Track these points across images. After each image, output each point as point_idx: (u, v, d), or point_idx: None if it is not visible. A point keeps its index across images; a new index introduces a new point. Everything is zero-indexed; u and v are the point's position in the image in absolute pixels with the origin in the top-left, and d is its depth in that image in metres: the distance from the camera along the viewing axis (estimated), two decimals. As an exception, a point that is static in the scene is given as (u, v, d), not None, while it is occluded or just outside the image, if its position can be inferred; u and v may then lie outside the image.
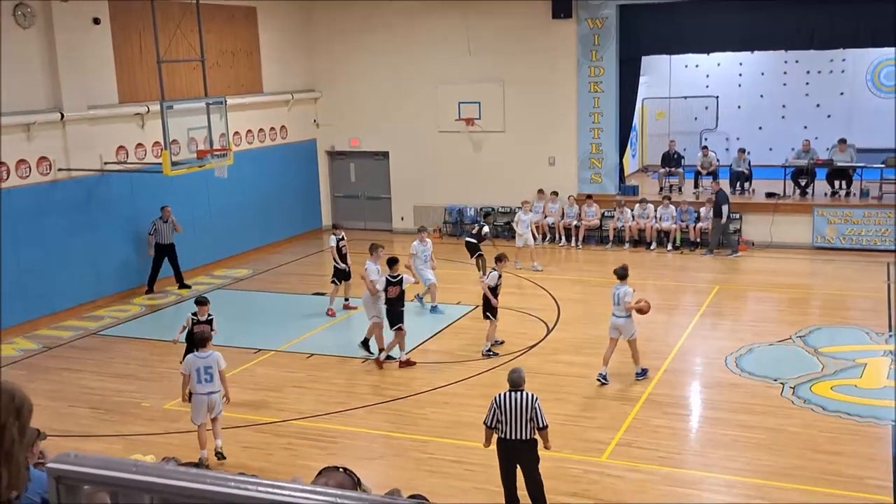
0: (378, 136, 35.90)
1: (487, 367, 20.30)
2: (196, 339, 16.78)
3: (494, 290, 21.26)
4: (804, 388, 18.39)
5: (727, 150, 38.91)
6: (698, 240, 31.08)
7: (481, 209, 33.07)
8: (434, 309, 24.97)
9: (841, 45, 33.63)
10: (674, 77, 39.49)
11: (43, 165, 24.53)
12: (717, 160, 34.98)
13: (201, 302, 18.94)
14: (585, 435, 16.46)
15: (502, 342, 22.11)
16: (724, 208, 30.27)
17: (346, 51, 35.49)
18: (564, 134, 33.32)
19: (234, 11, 31.66)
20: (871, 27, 29.60)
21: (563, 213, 32.80)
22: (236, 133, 30.66)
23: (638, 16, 32.07)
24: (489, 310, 21.37)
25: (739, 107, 41.13)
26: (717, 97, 41.26)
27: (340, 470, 4.97)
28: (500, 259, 21.44)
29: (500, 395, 13.33)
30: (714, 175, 34.00)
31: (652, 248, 31.26)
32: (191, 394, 16.14)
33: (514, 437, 13.20)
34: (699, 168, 34.54)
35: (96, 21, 25.95)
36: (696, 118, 41.65)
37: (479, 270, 26.56)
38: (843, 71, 39.36)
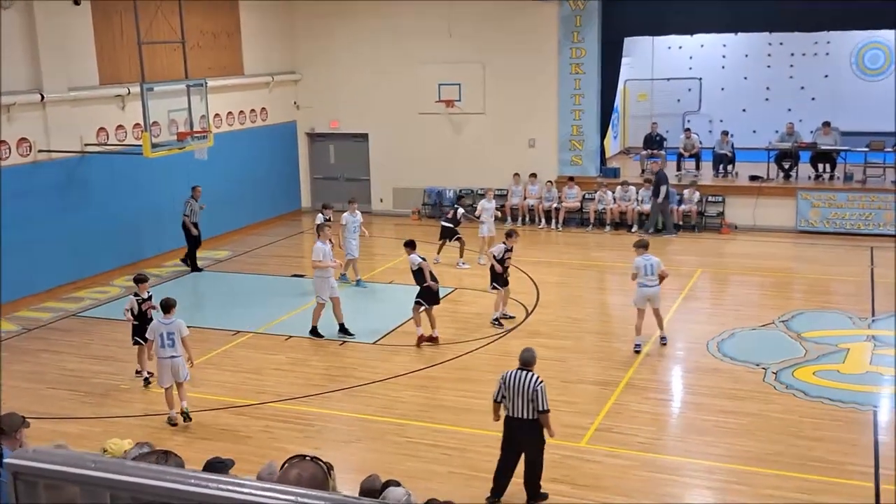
0: (358, 118, 35.82)
1: (465, 351, 20.27)
2: (162, 305, 17.16)
3: (501, 261, 21.82)
4: (786, 373, 18.38)
5: (710, 132, 38.87)
6: (680, 222, 31.05)
7: (459, 191, 33.12)
8: (359, 283, 25.87)
9: (825, 28, 33.68)
10: (656, 59, 39.54)
11: (23, 147, 24.39)
12: (700, 142, 34.96)
13: (142, 280, 19.41)
14: (565, 420, 16.35)
15: (512, 316, 22.48)
16: (663, 188, 30.71)
17: (326, 33, 35.37)
18: (545, 116, 33.27)
19: (214, -8, 31.54)
20: (856, 10, 29.53)
21: (541, 197, 32.76)
22: (216, 115, 30.54)
23: (620, -3, 32.03)
24: (496, 280, 21.97)
25: (723, 89, 41.11)
26: (701, 79, 41.22)
27: (309, 459, 4.85)
28: (509, 234, 22.24)
29: (507, 373, 13.51)
30: (696, 157, 34.06)
31: (633, 230, 31.20)
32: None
33: (516, 416, 13.35)
34: (682, 150, 34.52)
35: (76, 2, 25.78)
36: (678, 100, 41.58)
37: (460, 254, 26.61)
38: (827, 53, 39.37)
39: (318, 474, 4.78)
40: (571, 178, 32.41)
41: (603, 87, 33.35)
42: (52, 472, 2.61)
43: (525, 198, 32.91)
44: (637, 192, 31.67)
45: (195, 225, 27.27)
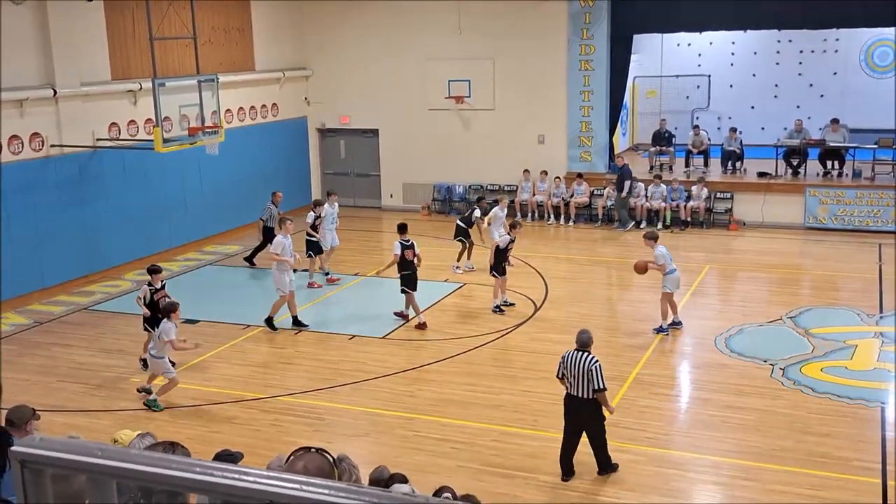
0: (368, 114, 35.85)
1: (473, 346, 20.32)
2: (163, 310, 17.58)
3: (504, 251, 22.33)
4: (794, 369, 18.40)
5: (719, 129, 38.82)
6: (688, 219, 31.09)
7: (473, 192, 33.21)
8: (328, 273, 26.12)
9: (833, 25, 33.68)
10: (665, 55, 39.45)
11: (35, 141, 24.50)
12: (709, 139, 34.95)
13: (155, 270, 19.68)
14: (573, 414, 16.48)
15: (513, 304, 22.81)
16: (627, 183, 31.11)
17: (337, 29, 35.42)
18: (554, 112, 33.29)
19: (226, -12, 31.61)
20: (864, 7, 29.51)
21: (550, 193, 32.80)
22: (228, 110, 30.58)
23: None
24: (496, 268, 22.38)
25: (731, 86, 41.07)
26: (709, 76, 41.16)
27: (314, 451, 4.92)
28: (513, 226, 22.81)
29: (566, 353, 14.13)
30: (705, 154, 34.10)
31: (642, 226, 31.15)
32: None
33: (575, 394, 13.93)
34: (690, 147, 34.50)
35: (88, -3, 25.92)
36: (687, 97, 41.55)
37: (467, 257, 26.38)
38: (836, 51, 39.30)
39: (324, 466, 4.85)
40: (580, 175, 32.41)
41: (612, 83, 33.35)
42: (58, 461, 2.67)
43: (534, 194, 32.92)
44: (646, 189, 31.68)
45: (270, 229, 26.93)
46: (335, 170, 37.18)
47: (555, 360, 18.87)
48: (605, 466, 14.15)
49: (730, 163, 33.35)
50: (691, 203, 31.09)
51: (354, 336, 21.25)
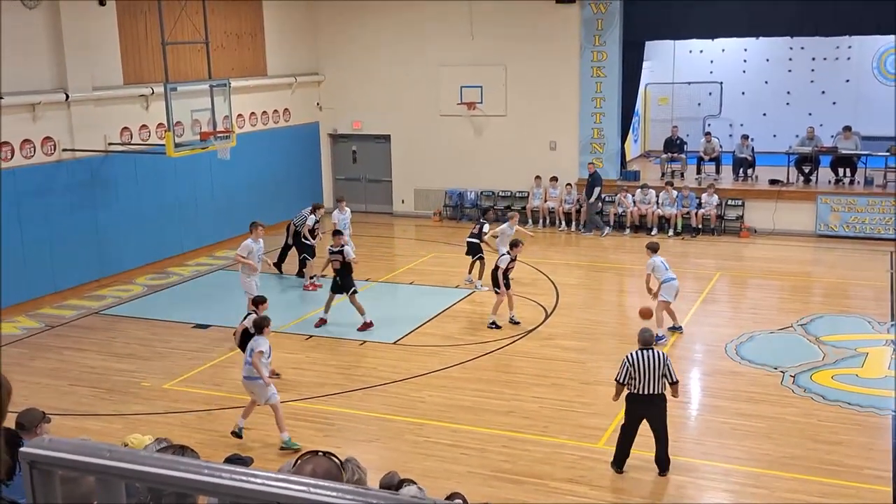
0: (380, 120, 35.88)
1: (484, 352, 20.32)
2: (255, 324, 16.41)
3: (506, 271, 22.12)
4: (804, 376, 18.37)
5: (730, 136, 38.79)
6: (700, 226, 31.06)
7: (485, 198, 33.24)
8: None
9: (845, 32, 33.61)
10: (678, 62, 39.42)
11: (47, 145, 24.57)
12: (721, 146, 34.90)
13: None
14: (582, 421, 16.47)
15: (518, 322, 22.48)
16: (596, 189, 31.49)
17: (349, 34, 35.47)
18: (566, 118, 33.28)
19: (238, -7, 31.67)
20: (876, 14, 29.46)
21: (562, 199, 32.80)
22: (239, 115, 30.67)
23: (642, 0, 31.99)
24: (497, 284, 22.17)
25: (743, 93, 41.05)
26: (721, 83, 41.18)
27: (321, 454, 4.93)
28: (514, 245, 22.42)
29: (632, 354, 14.21)
30: (717, 161, 34.09)
31: (653, 233, 31.15)
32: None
33: (646, 392, 14.13)
34: (702, 154, 34.47)
35: (101, 2, 25.95)
36: (699, 104, 41.57)
37: (478, 275, 25.54)
38: (848, 58, 39.28)
39: (332, 469, 4.86)
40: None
41: (624, 90, 33.36)
42: (67, 462, 2.68)
43: (545, 200, 32.91)
44: (657, 196, 31.66)
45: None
46: (347, 175, 37.20)
47: (566, 366, 19.08)
48: (666, 468, 14.45)
49: (741, 170, 33.30)
50: (701, 210, 31.04)
51: (365, 342, 21.25)
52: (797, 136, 34.07)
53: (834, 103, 39.18)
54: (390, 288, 25.96)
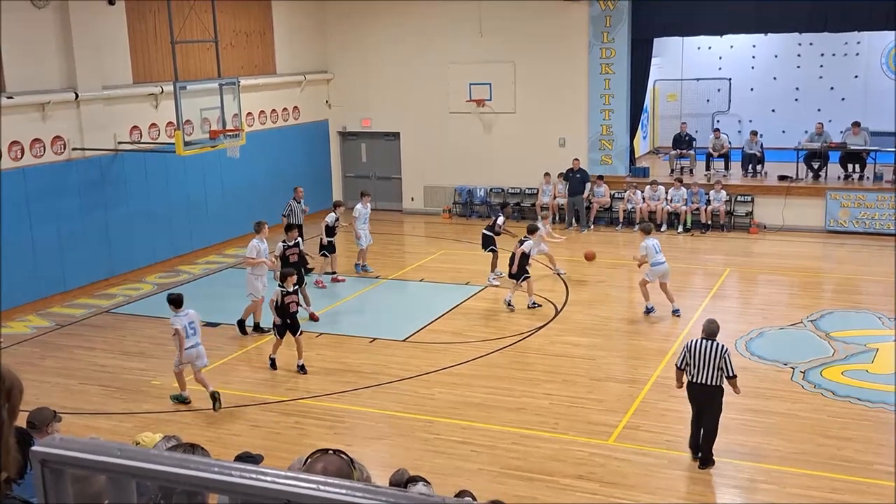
0: (389, 117, 35.91)
1: (494, 348, 20.33)
2: (171, 301, 18.02)
3: (528, 256, 22.87)
4: (815, 372, 18.36)
5: (739, 132, 38.81)
6: (709, 222, 31.04)
7: (495, 195, 33.29)
8: (365, 268, 26.80)
9: (854, 28, 33.52)
10: (686, 59, 39.46)
11: (57, 145, 24.62)
12: (729, 143, 34.86)
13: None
14: (592, 417, 16.48)
15: (512, 309, 23.08)
16: (586, 185, 32.01)
17: (358, 32, 35.49)
18: (575, 115, 33.28)
19: (247, -8, 31.70)
20: (885, 10, 29.38)
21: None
22: (249, 114, 30.70)
23: (650, -3, 32.02)
24: (517, 275, 22.90)
25: (752, 89, 40.98)
26: (730, 79, 41.11)
27: (332, 452, 4.93)
28: (531, 230, 23.35)
29: (691, 341, 14.70)
30: (725, 157, 34.06)
31: (662, 229, 31.16)
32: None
33: (699, 381, 14.48)
34: (711, 150, 34.43)
35: (111, 1, 26.01)
36: (708, 100, 41.52)
37: (491, 267, 25.97)
38: (857, 54, 39.21)
39: (343, 467, 4.87)
40: (601, 177, 32.38)
41: (633, 86, 33.33)
42: (78, 460, 2.69)
43: (555, 197, 32.90)
44: (666, 192, 31.63)
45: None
46: (356, 173, 37.24)
47: (576, 362, 19.09)
48: (706, 461, 14.58)
49: (750, 166, 33.24)
50: (711, 206, 31.00)
51: (375, 339, 21.27)
52: (806, 131, 33.96)
53: (843, 99, 39.12)
54: (400, 285, 25.99)
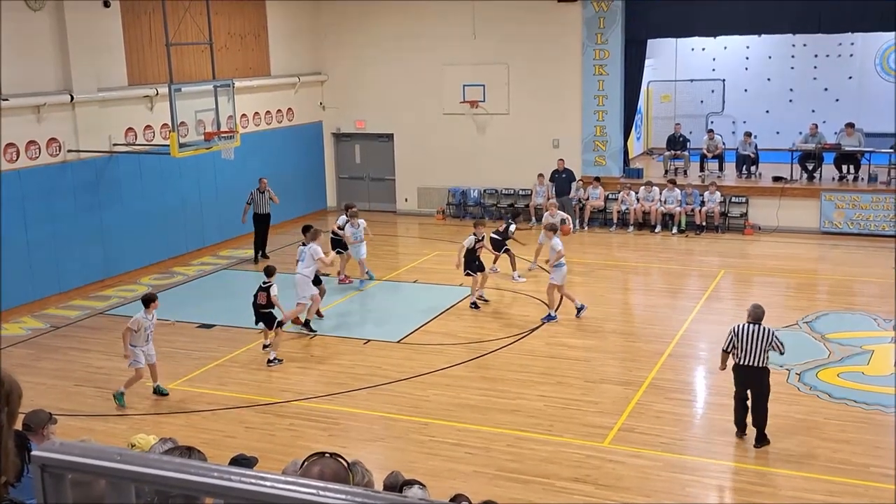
0: (383, 119, 35.90)
1: (489, 350, 20.32)
2: (144, 300, 18.61)
3: (473, 251, 23.31)
4: (810, 374, 18.37)
5: (733, 133, 38.80)
6: (703, 223, 31.05)
7: (488, 196, 33.33)
8: (369, 273, 26.49)
9: (848, 29, 33.49)
10: (680, 60, 39.48)
11: (52, 146, 24.61)
12: (723, 143, 34.87)
13: (270, 272, 20.78)
14: (587, 420, 16.47)
15: (487, 300, 23.87)
16: (573, 184, 32.33)
17: (352, 34, 35.50)
18: (569, 116, 33.29)
19: (242, -6, 31.70)
20: (879, 11, 29.41)
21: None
22: (243, 115, 30.74)
23: (644, -2, 32.03)
24: (469, 267, 23.48)
25: (746, 90, 40.98)
26: (724, 80, 41.13)
27: (328, 456, 4.93)
28: (477, 224, 24.09)
29: (738, 325, 15.42)
30: (720, 158, 34.08)
31: (657, 231, 31.21)
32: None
33: (747, 364, 15.17)
34: (705, 151, 34.43)
35: (106, 4, 25.97)
36: (702, 101, 41.54)
37: (513, 267, 26.17)
38: (851, 55, 39.22)
39: (340, 471, 4.86)
40: (597, 179, 32.39)
41: (626, 88, 33.34)
42: (78, 465, 2.69)
43: (549, 198, 32.85)
44: (661, 193, 31.63)
45: (255, 215, 28.50)
46: (350, 174, 37.23)
47: (570, 364, 19.13)
48: (761, 439, 15.19)
49: (745, 167, 33.25)
50: (705, 207, 31.01)
51: (369, 340, 21.27)
52: (800, 133, 34.04)
53: (837, 100, 39.12)
54: (394, 286, 25.99)
